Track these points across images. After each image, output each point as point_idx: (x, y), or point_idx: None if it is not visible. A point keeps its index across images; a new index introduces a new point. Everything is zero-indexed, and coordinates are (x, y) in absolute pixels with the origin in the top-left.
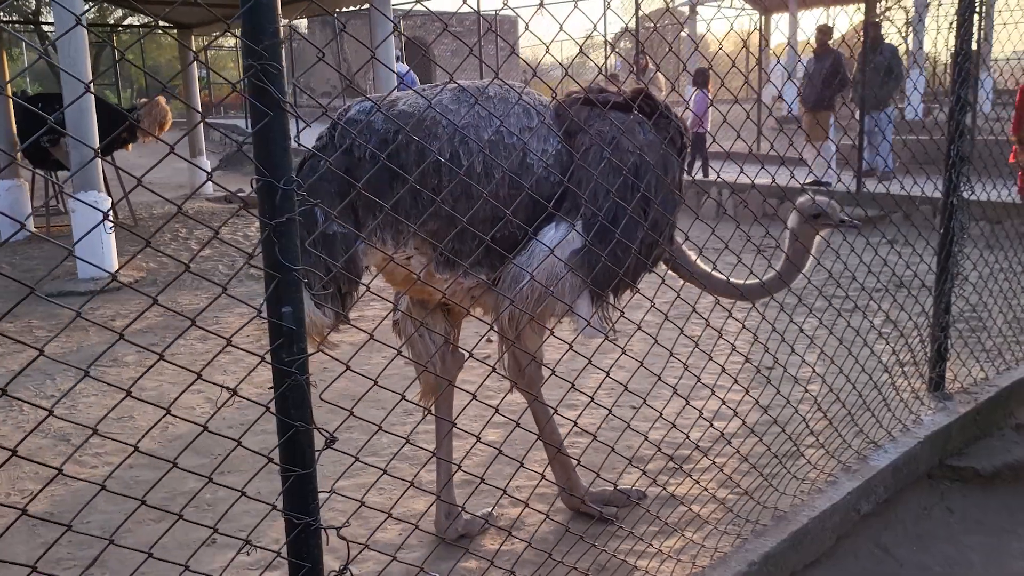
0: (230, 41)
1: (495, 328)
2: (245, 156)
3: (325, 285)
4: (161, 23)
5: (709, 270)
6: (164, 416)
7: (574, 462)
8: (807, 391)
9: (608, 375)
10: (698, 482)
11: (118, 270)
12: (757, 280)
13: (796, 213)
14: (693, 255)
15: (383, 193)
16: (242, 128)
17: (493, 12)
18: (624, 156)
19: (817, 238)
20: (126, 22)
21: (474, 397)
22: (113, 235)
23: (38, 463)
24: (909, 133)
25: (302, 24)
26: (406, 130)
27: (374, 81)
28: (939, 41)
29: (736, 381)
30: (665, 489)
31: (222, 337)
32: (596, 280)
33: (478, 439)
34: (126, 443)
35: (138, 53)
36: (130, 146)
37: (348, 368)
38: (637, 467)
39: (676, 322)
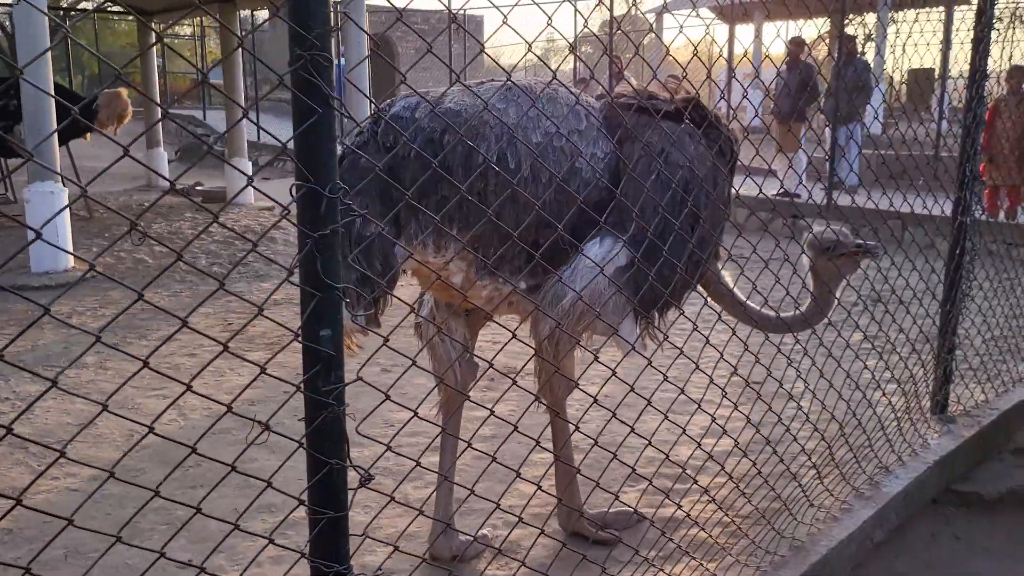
0: (187, 29)
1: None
2: (200, 148)
3: (360, 290)
4: (119, 8)
5: (744, 298)
6: (147, 434)
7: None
8: (824, 410)
9: (613, 372)
10: (716, 501)
11: (96, 258)
12: (799, 312)
13: (809, 251)
14: (730, 280)
15: (427, 195)
16: (199, 119)
17: (460, 11)
18: (674, 169)
19: (840, 267)
20: (80, 6)
21: (492, 413)
22: (69, 227)
23: None
24: (872, 148)
25: (263, 14)
26: (459, 133)
27: (344, 78)
28: (904, 60)
29: (741, 396)
30: (680, 507)
31: (215, 340)
32: (642, 300)
33: (468, 444)
34: (101, 468)
35: (92, 39)
36: (88, 136)
37: (388, 398)
38: (646, 476)
39: (680, 337)
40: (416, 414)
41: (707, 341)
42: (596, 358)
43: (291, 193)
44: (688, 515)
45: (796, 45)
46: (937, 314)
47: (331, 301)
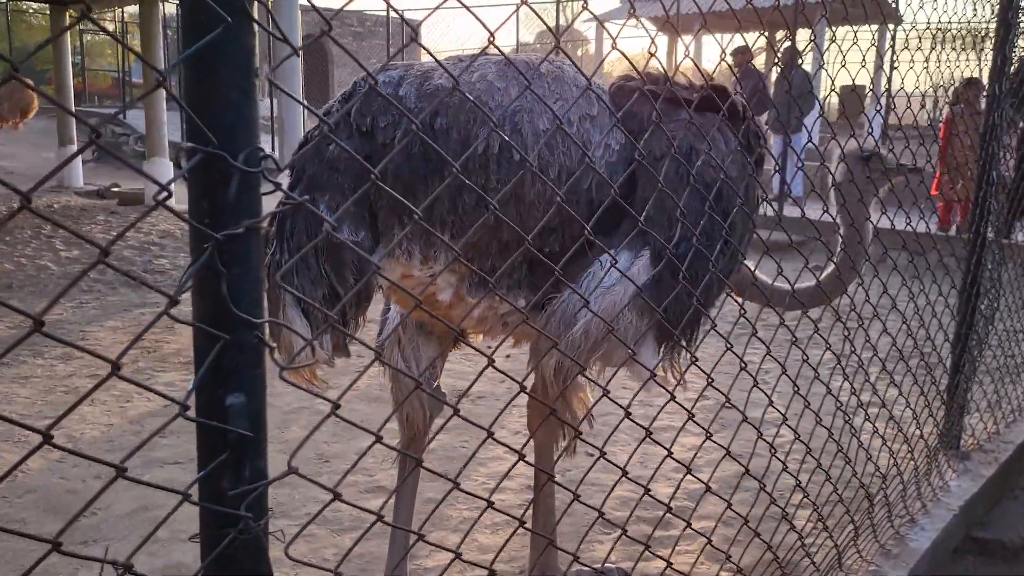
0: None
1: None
2: (120, 148)
3: (326, 308)
4: None
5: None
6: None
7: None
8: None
9: (627, 414)
10: (709, 549)
11: None
12: (813, 283)
13: (845, 163)
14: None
15: (415, 192)
16: (119, 118)
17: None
18: (704, 170)
19: (877, 189)
20: None
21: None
22: None
23: None
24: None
25: None
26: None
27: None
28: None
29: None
30: (669, 563)
31: (104, 358)
32: (665, 324)
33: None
34: None
35: (3, 32)
36: None
37: (335, 496)
38: (619, 523)
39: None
40: (380, 517)
41: (706, 379)
42: (606, 392)
43: (177, 165)
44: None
45: (742, 54)
46: (938, 336)
47: (245, 348)
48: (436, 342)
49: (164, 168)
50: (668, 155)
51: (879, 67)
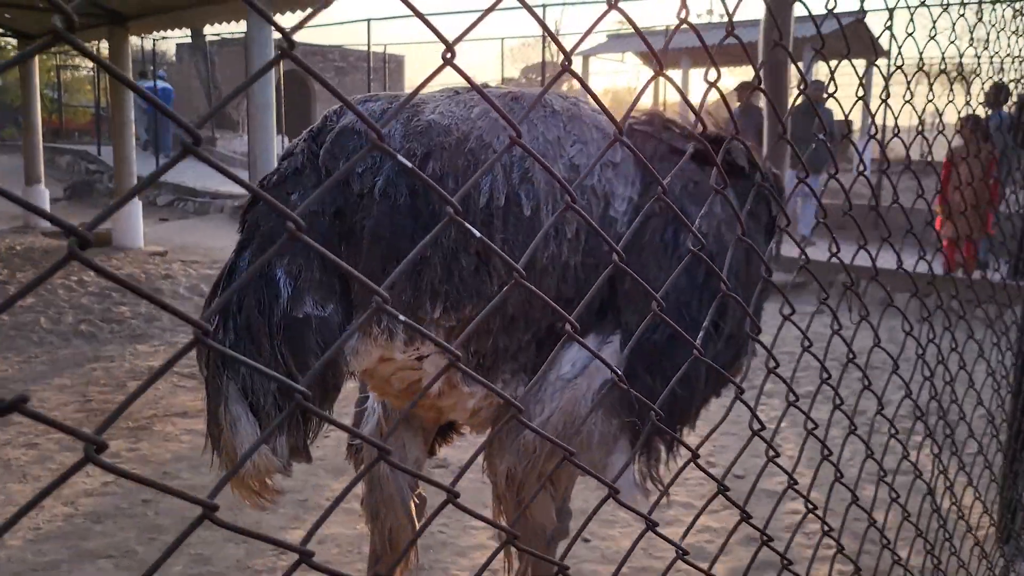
0: (88, 63)
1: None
2: (94, 186)
3: (280, 401)
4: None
5: None
6: None
7: None
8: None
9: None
10: None
11: None
12: None
13: None
14: None
15: (398, 254)
16: (92, 155)
17: (382, 48)
18: (694, 241)
19: None
20: None
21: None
22: None
23: None
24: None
25: (170, 49)
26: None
27: (248, 112)
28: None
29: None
30: None
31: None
32: (637, 424)
33: None
34: None
35: None
36: None
37: None
38: None
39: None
40: None
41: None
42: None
43: None
44: None
45: (744, 89)
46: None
47: None
48: (423, 437)
49: (132, 209)
50: (654, 216)
51: (863, 101)
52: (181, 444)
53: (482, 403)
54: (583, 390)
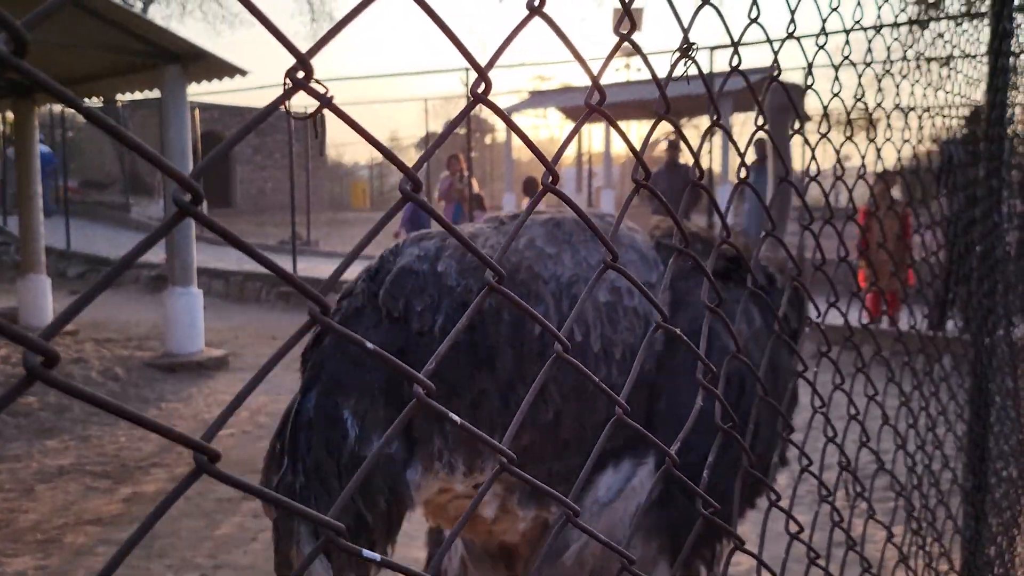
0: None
1: None
2: (10, 263)
3: (352, 541)
4: None
5: None
6: None
7: None
8: None
9: None
10: None
11: None
12: None
13: None
14: None
15: (459, 391)
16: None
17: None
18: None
19: None
20: None
21: None
22: None
23: None
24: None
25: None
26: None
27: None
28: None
29: None
30: None
31: None
32: (676, 545)
33: None
34: None
35: None
36: None
37: None
38: None
39: None
40: None
41: None
42: None
43: None
44: None
45: (673, 148)
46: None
47: None
48: (504, 567)
49: (40, 284)
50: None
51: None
52: (96, 558)
53: (532, 524)
54: (620, 514)
